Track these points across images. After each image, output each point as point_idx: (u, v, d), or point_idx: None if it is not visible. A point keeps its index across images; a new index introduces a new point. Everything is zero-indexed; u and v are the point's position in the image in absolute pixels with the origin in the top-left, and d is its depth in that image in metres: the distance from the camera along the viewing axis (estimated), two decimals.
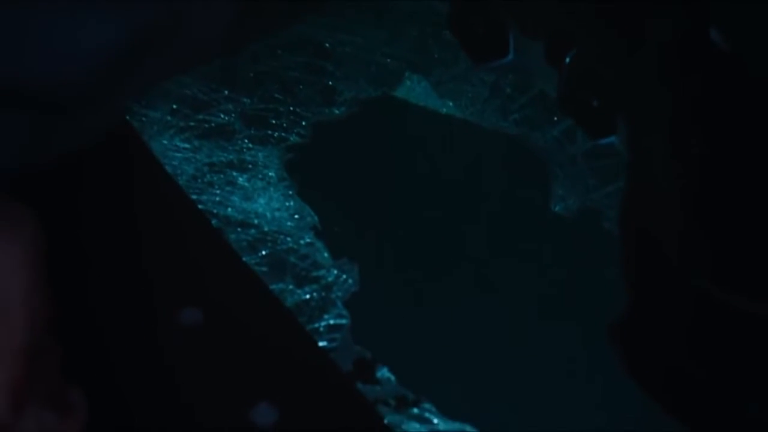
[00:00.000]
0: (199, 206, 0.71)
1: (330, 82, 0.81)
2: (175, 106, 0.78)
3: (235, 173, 0.75)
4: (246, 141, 0.77)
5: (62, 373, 0.48)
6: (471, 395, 0.67)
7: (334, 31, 0.84)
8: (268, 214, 0.74)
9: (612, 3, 0.54)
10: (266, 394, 0.57)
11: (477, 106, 0.82)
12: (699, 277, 0.50)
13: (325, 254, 0.72)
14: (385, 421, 0.64)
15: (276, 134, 0.78)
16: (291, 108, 0.80)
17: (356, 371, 0.67)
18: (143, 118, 0.76)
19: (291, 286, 0.70)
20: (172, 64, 0.49)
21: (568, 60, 0.58)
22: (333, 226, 0.74)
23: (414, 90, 0.82)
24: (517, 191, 0.78)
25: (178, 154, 0.75)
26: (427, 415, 0.65)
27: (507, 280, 0.73)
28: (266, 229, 0.73)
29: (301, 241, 0.73)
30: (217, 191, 0.74)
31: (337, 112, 0.80)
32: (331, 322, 0.69)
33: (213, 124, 0.78)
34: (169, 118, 0.77)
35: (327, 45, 0.83)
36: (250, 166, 0.76)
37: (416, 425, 0.65)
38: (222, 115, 0.78)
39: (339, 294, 0.70)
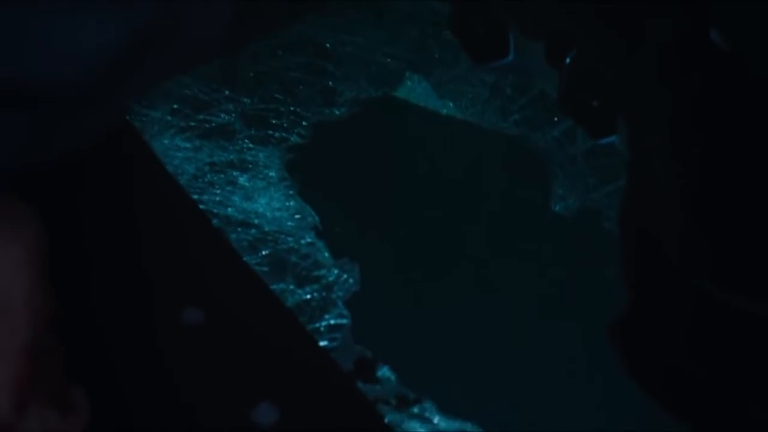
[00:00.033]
0: (200, 206, 0.71)
1: (330, 83, 0.81)
2: (175, 106, 0.78)
3: (235, 173, 0.75)
4: (246, 141, 0.77)
5: (64, 373, 0.49)
6: (471, 394, 0.67)
7: (334, 31, 0.84)
8: (269, 214, 0.74)
9: (612, 3, 0.54)
10: (267, 393, 0.57)
11: (477, 107, 0.82)
12: (699, 276, 0.50)
13: (326, 254, 0.72)
14: (386, 420, 0.64)
15: (277, 134, 0.78)
16: (291, 108, 0.80)
17: (357, 371, 0.67)
18: (144, 118, 0.76)
19: (292, 286, 0.70)
20: (172, 64, 0.49)
21: (568, 60, 0.58)
22: (334, 226, 0.74)
23: (415, 91, 0.82)
24: (517, 191, 0.78)
25: (179, 154, 0.75)
26: (427, 414, 0.65)
27: (507, 279, 0.73)
28: (267, 228, 0.73)
29: (302, 241, 0.73)
30: (218, 191, 0.74)
31: (337, 112, 0.80)
32: (332, 322, 0.69)
33: (213, 124, 0.78)
34: (169, 117, 0.77)
35: (327, 45, 0.83)
36: (250, 165, 0.76)
37: (417, 424, 0.65)
38: (222, 115, 0.78)
39: (340, 294, 0.70)
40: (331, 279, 0.71)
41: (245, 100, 0.79)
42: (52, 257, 0.47)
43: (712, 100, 0.50)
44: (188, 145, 0.76)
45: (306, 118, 0.79)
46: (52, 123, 0.46)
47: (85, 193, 0.62)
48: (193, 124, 0.77)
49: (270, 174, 0.76)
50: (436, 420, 0.65)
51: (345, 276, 0.71)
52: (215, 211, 0.73)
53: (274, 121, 0.79)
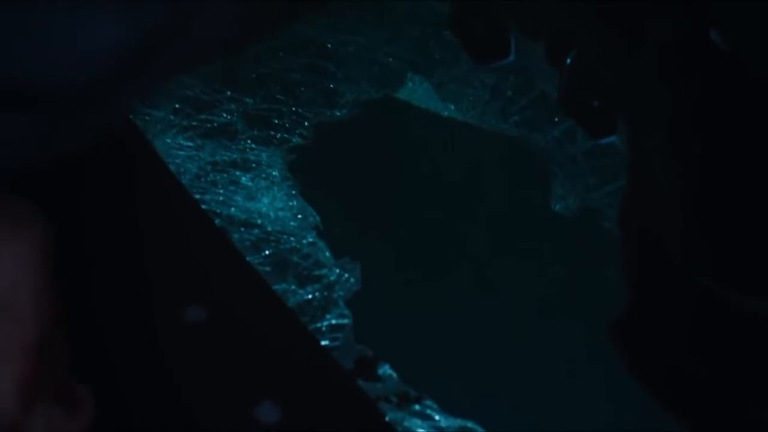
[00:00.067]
0: (203, 206, 0.71)
1: (331, 85, 0.82)
2: (177, 106, 0.78)
3: (238, 173, 0.75)
4: (249, 141, 0.77)
5: (69, 371, 0.49)
6: (472, 392, 0.67)
7: (335, 32, 0.84)
8: (272, 214, 0.74)
9: (612, 3, 0.54)
10: (269, 392, 0.58)
11: (478, 108, 0.82)
12: (700, 275, 0.50)
13: (327, 254, 0.73)
14: (387, 418, 0.64)
15: (279, 135, 0.78)
16: (293, 109, 0.80)
17: (358, 369, 0.67)
18: (146, 117, 0.77)
19: (293, 287, 0.70)
20: (174, 65, 0.49)
21: (569, 61, 0.58)
22: (335, 226, 0.74)
23: (416, 92, 0.82)
24: (517, 191, 0.79)
25: (182, 152, 0.75)
26: (428, 411, 0.66)
27: (507, 279, 0.73)
28: (269, 228, 0.73)
29: (304, 241, 0.73)
30: (221, 190, 0.74)
31: (339, 113, 0.81)
32: (333, 321, 0.69)
33: (216, 124, 0.78)
34: (172, 117, 0.77)
35: (329, 45, 0.83)
36: (253, 165, 0.76)
37: (418, 422, 0.65)
38: (225, 115, 0.78)
39: (341, 293, 0.71)
40: (332, 279, 0.71)
41: (247, 100, 0.80)
42: (55, 256, 0.47)
43: (712, 100, 0.50)
44: (190, 144, 0.76)
45: (308, 118, 0.80)
46: (52, 123, 0.46)
47: (88, 192, 0.62)
48: (195, 123, 0.77)
49: (273, 173, 0.76)
50: (437, 418, 0.66)
51: (346, 276, 0.72)
52: (218, 210, 0.73)
53: (276, 122, 0.79)
